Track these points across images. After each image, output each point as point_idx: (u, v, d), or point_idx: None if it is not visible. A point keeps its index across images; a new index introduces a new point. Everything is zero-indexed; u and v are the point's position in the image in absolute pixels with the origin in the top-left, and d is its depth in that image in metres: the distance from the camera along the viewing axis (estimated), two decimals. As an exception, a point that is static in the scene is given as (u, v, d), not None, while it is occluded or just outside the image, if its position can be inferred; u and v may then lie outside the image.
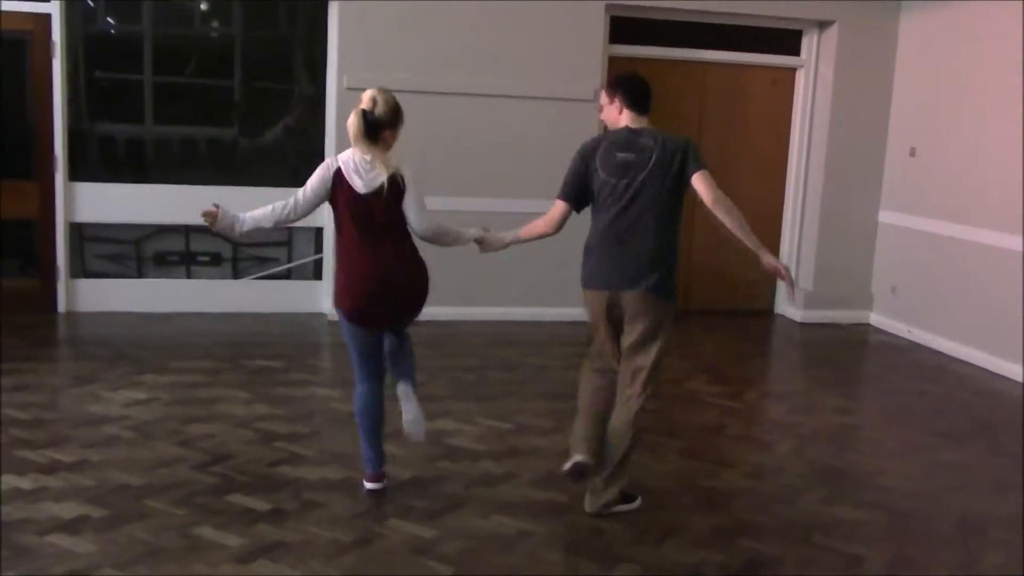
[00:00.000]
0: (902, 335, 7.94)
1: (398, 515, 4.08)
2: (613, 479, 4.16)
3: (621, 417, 4.13)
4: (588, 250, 4.19)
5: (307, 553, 3.70)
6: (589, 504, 4.19)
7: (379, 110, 4.00)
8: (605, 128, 4.26)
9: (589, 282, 4.18)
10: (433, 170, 7.39)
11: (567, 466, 4.08)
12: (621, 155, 4.08)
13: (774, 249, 8.62)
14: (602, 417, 4.19)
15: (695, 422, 5.58)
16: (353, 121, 3.99)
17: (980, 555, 4.03)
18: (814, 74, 8.29)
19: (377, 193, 3.98)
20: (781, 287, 8.64)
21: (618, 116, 4.17)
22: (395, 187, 4.01)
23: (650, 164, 4.05)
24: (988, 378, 6.83)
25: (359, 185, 3.99)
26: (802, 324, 8.30)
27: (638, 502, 4.26)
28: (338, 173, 4.03)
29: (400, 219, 4.06)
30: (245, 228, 4.09)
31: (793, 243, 8.54)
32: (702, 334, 7.81)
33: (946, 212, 7.50)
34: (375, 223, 4.02)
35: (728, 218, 4.10)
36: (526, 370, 6.41)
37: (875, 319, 8.35)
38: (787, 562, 3.84)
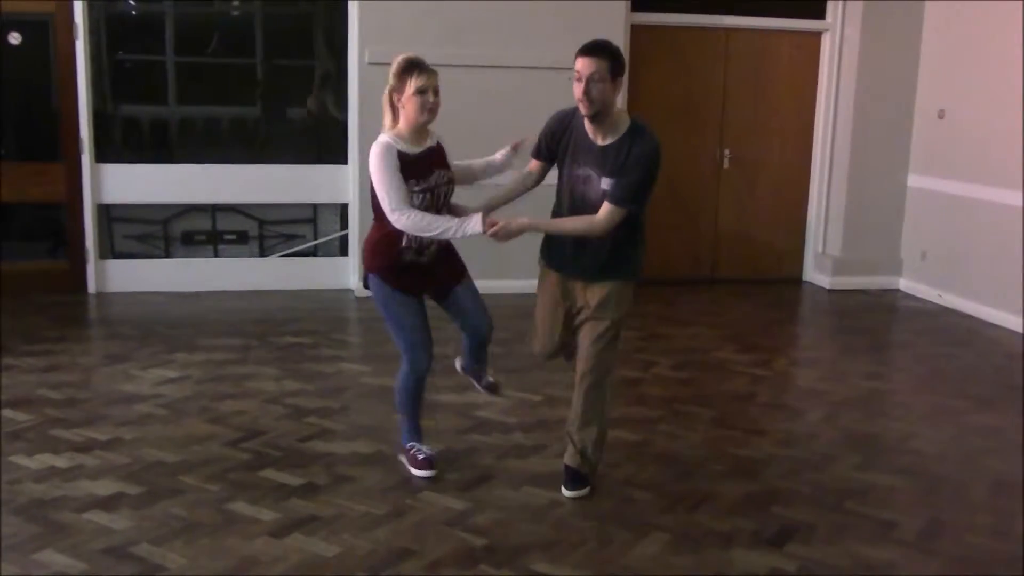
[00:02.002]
0: (932, 300, 7.87)
1: (430, 487, 4.10)
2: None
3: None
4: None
5: (340, 526, 3.73)
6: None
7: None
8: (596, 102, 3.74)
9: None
10: (457, 143, 7.36)
11: None
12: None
13: (801, 215, 8.55)
14: None
15: (725, 391, 5.57)
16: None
17: (1013, 518, 4.00)
18: (840, 38, 8.18)
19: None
20: (809, 254, 8.58)
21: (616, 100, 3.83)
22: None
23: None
24: (1019, 341, 6.76)
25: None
26: (830, 291, 8.24)
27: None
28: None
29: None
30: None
31: (821, 209, 8.47)
32: (730, 303, 7.78)
33: (976, 175, 7.41)
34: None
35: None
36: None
37: (905, 284, 8.29)
38: (820, 529, 3.83)
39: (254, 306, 7.16)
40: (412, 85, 3.82)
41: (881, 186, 8.23)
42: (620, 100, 4.22)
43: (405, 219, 3.79)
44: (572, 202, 3.94)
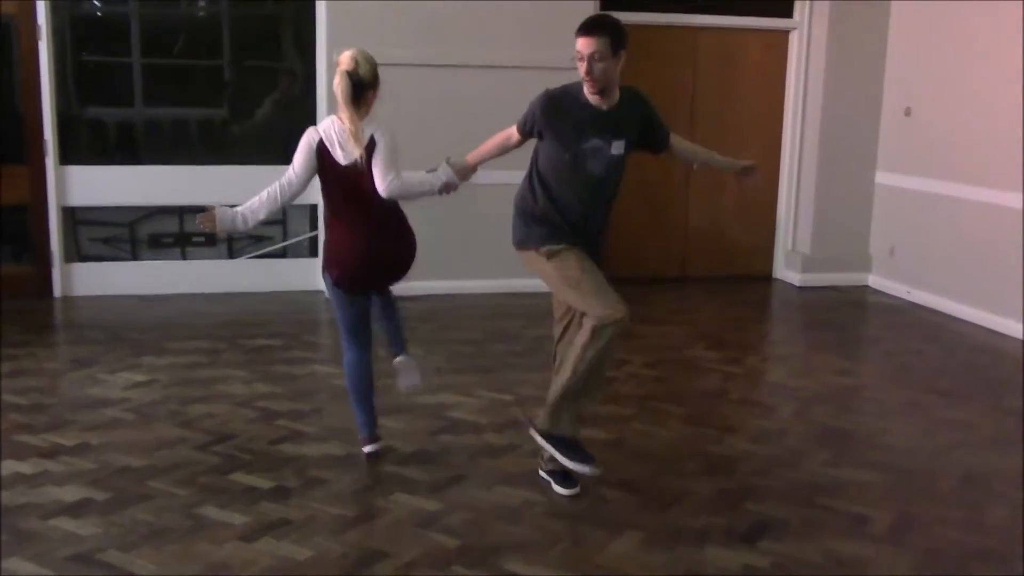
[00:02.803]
0: (901, 296, 7.92)
1: (402, 489, 4.07)
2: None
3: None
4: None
5: (312, 529, 3.70)
6: None
7: (362, 70, 3.94)
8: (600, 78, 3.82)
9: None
10: (425, 143, 7.33)
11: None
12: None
13: (770, 213, 8.60)
14: None
15: (697, 388, 5.58)
16: (340, 84, 3.91)
17: (984, 511, 4.03)
18: (808, 36, 8.22)
19: (359, 160, 3.94)
20: (779, 251, 8.62)
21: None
22: (371, 153, 3.95)
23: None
24: (987, 336, 6.83)
25: (340, 157, 3.96)
26: (800, 288, 8.28)
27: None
28: (320, 144, 3.99)
29: None
30: (250, 224, 4.08)
31: (790, 207, 8.51)
32: (700, 300, 7.80)
33: (943, 171, 7.47)
34: (361, 192, 3.99)
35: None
36: (525, 341, 6.40)
37: (874, 281, 8.34)
38: (793, 524, 3.84)
39: (223, 309, 7.10)
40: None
41: (849, 183, 8.28)
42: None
43: (411, 180, 4.01)
44: (578, 177, 3.91)
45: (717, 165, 4.47)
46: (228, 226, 4.07)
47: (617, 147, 3.92)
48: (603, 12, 3.85)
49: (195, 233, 7.60)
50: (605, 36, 3.73)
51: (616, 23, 3.81)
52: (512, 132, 4.09)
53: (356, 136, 3.91)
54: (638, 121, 4.00)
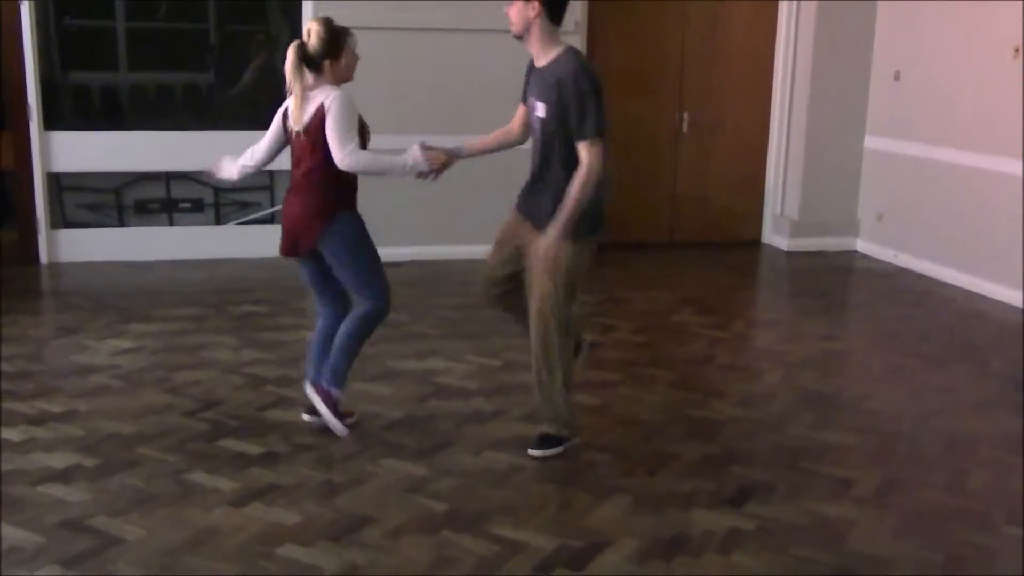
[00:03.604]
0: (888, 261, 7.95)
1: (390, 454, 4.09)
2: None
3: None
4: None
5: (301, 495, 3.71)
6: None
7: (312, 42, 3.99)
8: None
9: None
10: (413, 109, 7.32)
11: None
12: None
13: (759, 178, 8.59)
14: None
15: (683, 353, 5.60)
16: (288, 54, 3.99)
17: (967, 474, 4.07)
18: (796, 1, 8.18)
19: (307, 129, 3.99)
20: (767, 217, 8.63)
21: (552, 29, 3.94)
22: (320, 120, 3.96)
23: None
24: (973, 300, 6.86)
25: (292, 122, 4.04)
26: (788, 253, 8.30)
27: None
28: (284, 112, 4.11)
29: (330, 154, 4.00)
30: (244, 174, 4.29)
31: (779, 172, 8.50)
32: (688, 266, 7.81)
33: (931, 136, 7.47)
34: (299, 159, 4.09)
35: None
36: (513, 307, 6.39)
37: (861, 246, 8.36)
38: (778, 488, 3.87)
39: (210, 275, 7.08)
40: (349, 50, 4.07)
41: (838, 148, 8.27)
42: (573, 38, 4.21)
43: (365, 156, 3.99)
44: (533, 140, 4.02)
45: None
46: (231, 174, 4.29)
47: (540, 109, 3.89)
48: None
49: (181, 199, 7.57)
50: None
51: None
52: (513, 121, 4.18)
53: (298, 105, 3.99)
54: (556, 87, 3.81)
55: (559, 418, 4.11)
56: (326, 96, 3.96)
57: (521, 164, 4.23)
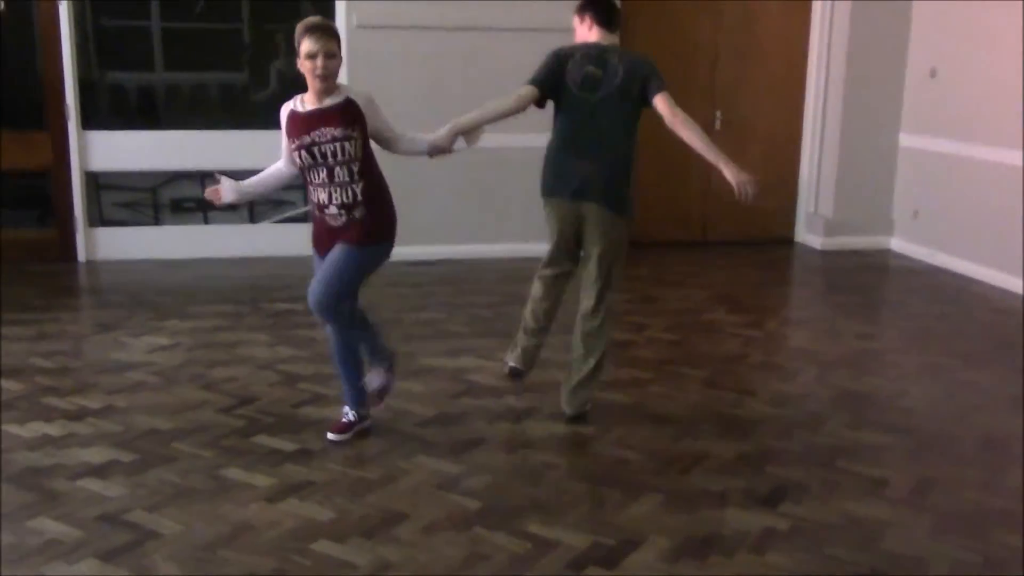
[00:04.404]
0: (924, 259, 7.87)
1: (423, 452, 4.11)
2: (582, 386, 4.42)
3: (580, 329, 4.41)
4: (549, 160, 4.34)
5: (334, 491, 3.74)
6: (566, 406, 4.48)
7: None
8: None
9: (552, 191, 4.34)
10: (447, 106, 7.31)
11: (506, 369, 4.72)
12: (590, 68, 4.21)
13: (792, 176, 8.54)
14: (544, 330, 4.64)
15: (717, 352, 5.58)
16: None
17: (1004, 473, 4.03)
18: (831, -4, 8.13)
19: None
20: (800, 215, 8.58)
21: (588, 34, 4.36)
22: None
23: (616, 81, 4.18)
24: (1010, 299, 6.78)
25: None
26: (822, 251, 8.24)
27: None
28: None
29: None
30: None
31: (812, 170, 8.45)
32: (721, 264, 7.78)
33: (967, 134, 7.39)
34: None
35: (689, 134, 4.18)
36: (546, 305, 6.39)
37: (896, 244, 8.29)
38: (812, 488, 3.85)
39: (245, 273, 7.14)
40: (302, 50, 3.82)
41: (873, 146, 8.20)
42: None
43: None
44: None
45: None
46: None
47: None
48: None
49: (223, 205, 7.61)
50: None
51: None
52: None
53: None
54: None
55: (590, 398, 4.44)
56: None
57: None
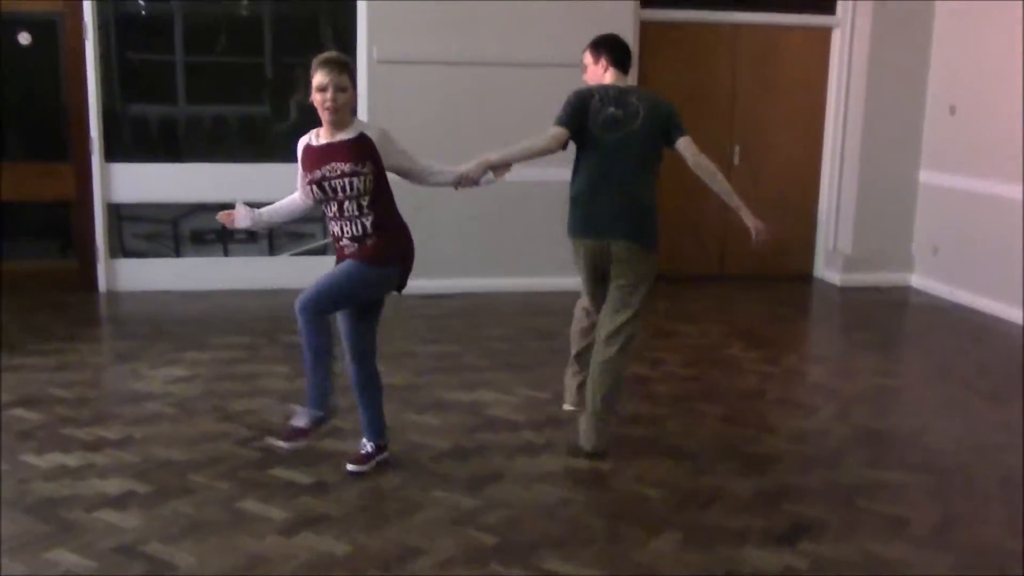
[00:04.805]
0: (944, 296, 7.83)
1: (439, 486, 4.09)
2: (599, 418, 4.39)
3: (597, 361, 4.40)
4: (575, 200, 4.40)
5: (350, 524, 3.72)
6: (583, 441, 4.45)
7: None
8: None
9: (578, 231, 4.40)
10: (466, 140, 7.37)
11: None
12: (611, 110, 4.27)
13: (810, 212, 8.53)
14: (582, 357, 4.72)
15: (735, 387, 5.55)
16: None
17: (1028, 515, 3.98)
18: (850, 33, 8.14)
19: None
20: (819, 250, 8.56)
21: (603, 75, 4.42)
22: None
23: (638, 122, 4.25)
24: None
25: None
26: (842, 287, 8.21)
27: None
28: None
29: None
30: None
31: (831, 205, 8.44)
32: (739, 299, 7.76)
33: (987, 170, 7.37)
34: None
35: (711, 178, 4.30)
36: (562, 339, 6.33)
37: (916, 281, 8.25)
38: (832, 525, 3.81)
39: (264, 305, 7.16)
40: (314, 83, 3.90)
41: (892, 182, 8.19)
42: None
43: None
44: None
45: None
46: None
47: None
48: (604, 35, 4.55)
49: (237, 230, 7.66)
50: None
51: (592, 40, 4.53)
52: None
53: None
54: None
55: (606, 433, 4.41)
56: None
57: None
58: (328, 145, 3.93)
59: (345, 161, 3.88)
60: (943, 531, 3.80)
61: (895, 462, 4.50)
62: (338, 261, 4.09)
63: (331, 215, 3.98)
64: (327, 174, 3.90)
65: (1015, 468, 4.44)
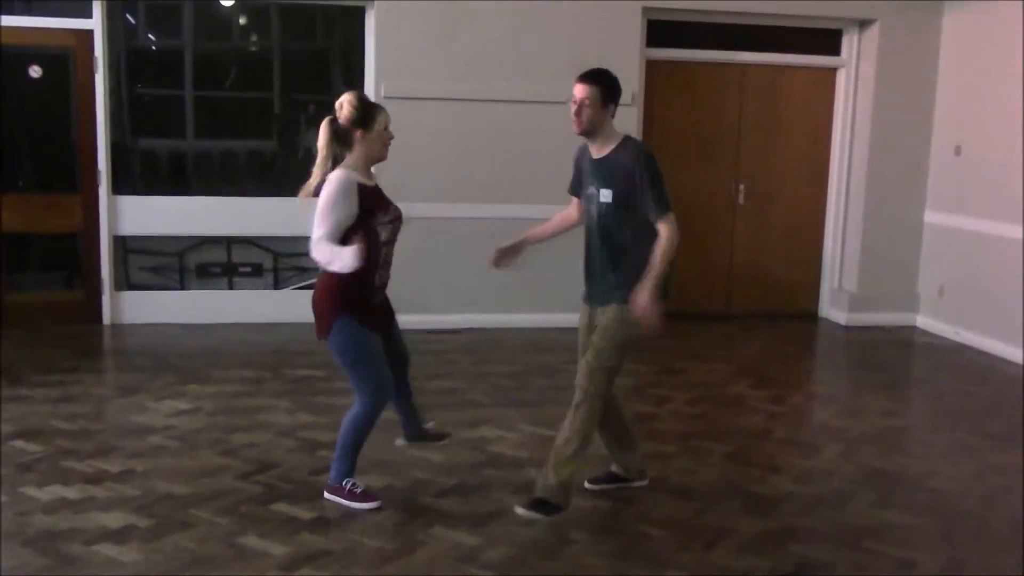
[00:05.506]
0: (949, 337, 7.80)
1: (441, 523, 4.06)
2: (555, 464, 4.08)
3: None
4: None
5: (351, 561, 3.69)
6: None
7: (344, 112, 3.98)
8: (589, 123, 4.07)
9: (583, 296, 4.38)
10: (471, 177, 7.41)
11: None
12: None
13: (817, 251, 8.53)
14: (610, 432, 4.48)
15: (740, 426, 5.51)
16: (320, 130, 4.03)
17: (1036, 559, 3.94)
18: (855, 73, 8.19)
19: None
20: (825, 290, 8.54)
21: (611, 122, 4.13)
22: None
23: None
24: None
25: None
26: (847, 327, 8.19)
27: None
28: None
29: None
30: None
31: (836, 245, 8.44)
32: (745, 338, 7.74)
33: (993, 211, 7.37)
34: None
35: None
36: (566, 376, 6.30)
37: (922, 321, 8.22)
38: (838, 567, 3.77)
39: (268, 338, 7.15)
40: (381, 122, 4.00)
41: (898, 222, 8.19)
42: (631, 128, 4.34)
43: (323, 249, 3.87)
44: (589, 222, 4.20)
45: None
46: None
47: (604, 195, 4.08)
48: (602, 68, 4.15)
49: (242, 264, 7.69)
50: (597, 86, 4.05)
51: (611, 77, 4.12)
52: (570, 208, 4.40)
53: (313, 185, 4.03)
54: (623, 174, 4.03)
55: (563, 485, 4.05)
56: (332, 174, 3.95)
57: (575, 233, 4.39)
58: (376, 188, 4.04)
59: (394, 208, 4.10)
60: (952, 574, 3.76)
61: (902, 504, 4.46)
62: (364, 320, 4.05)
63: (382, 261, 4.06)
64: (396, 214, 4.09)
65: (1022, 511, 4.40)
